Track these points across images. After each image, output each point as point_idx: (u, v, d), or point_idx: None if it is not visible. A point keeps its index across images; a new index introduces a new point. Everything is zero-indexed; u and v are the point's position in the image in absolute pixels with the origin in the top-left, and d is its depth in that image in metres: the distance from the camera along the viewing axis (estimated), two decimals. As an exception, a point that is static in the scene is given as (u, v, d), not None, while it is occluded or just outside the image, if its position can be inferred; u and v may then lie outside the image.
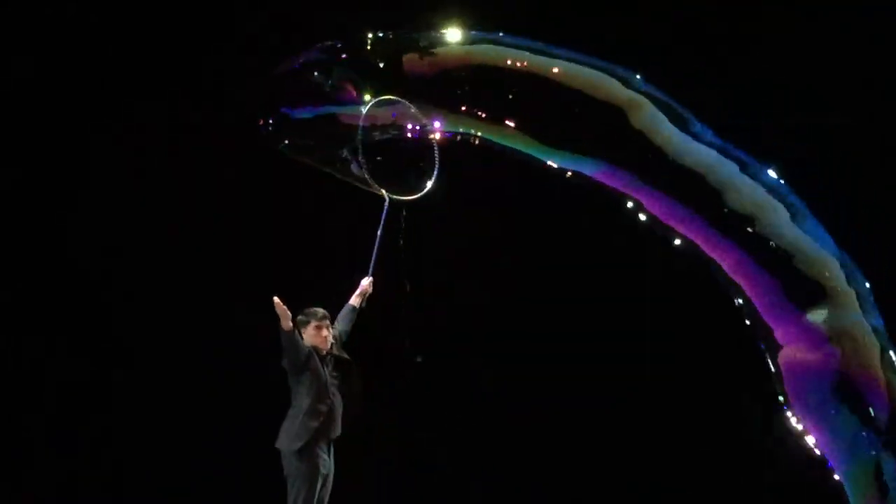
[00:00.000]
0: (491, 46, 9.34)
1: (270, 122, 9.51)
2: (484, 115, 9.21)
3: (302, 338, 8.95)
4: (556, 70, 9.10)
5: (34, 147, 11.56)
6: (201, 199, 11.56)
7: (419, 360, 11.19)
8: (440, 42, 9.37)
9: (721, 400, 11.01)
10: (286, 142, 9.56)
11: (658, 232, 8.89)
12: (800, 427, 8.55)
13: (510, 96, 9.17)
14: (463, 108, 9.21)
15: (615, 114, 8.93)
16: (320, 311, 9.11)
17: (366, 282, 9.36)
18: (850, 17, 11.21)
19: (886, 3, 11.27)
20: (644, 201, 8.92)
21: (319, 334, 9.02)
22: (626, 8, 11.56)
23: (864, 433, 8.43)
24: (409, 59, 9.37)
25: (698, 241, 8.85)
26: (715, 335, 10.36)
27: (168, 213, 11.64)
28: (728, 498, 11.25)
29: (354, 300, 9.35)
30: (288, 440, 8.86)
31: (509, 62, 9.18)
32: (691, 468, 11.37)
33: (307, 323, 9.05)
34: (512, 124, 9.15)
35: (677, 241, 8.89)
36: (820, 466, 8.54)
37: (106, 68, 11.58)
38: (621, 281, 11.37)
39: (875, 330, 8.60)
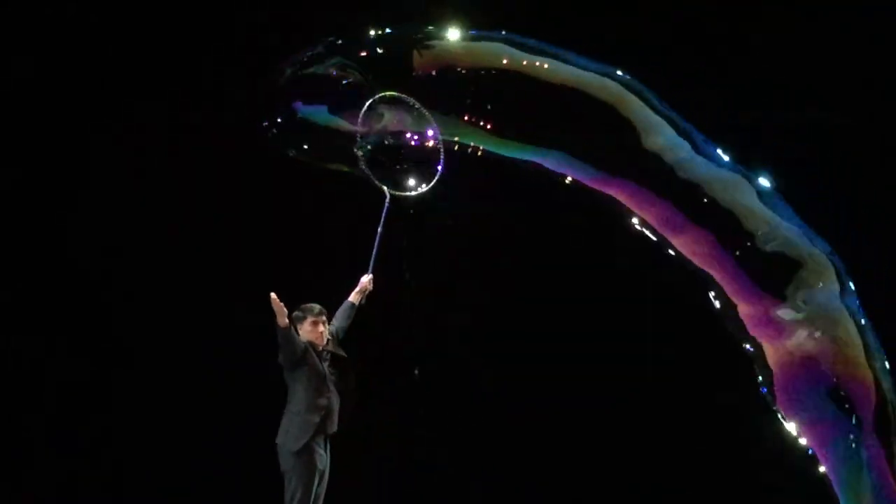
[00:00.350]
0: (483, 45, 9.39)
1: (277, 123, 9.50)
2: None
3: (298, 334, 8.95)
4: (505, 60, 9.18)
5: (34, 147, 11.54)
6: (201, 199, 11.54)
7: (416, 372, 11.23)
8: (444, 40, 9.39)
9: (720, 399, 11.02)
10: (293, 144, 9.56)
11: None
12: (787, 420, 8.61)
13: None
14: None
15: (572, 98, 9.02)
16: (316, 306, 9.13)
17: (365, 279, 9.35)
18: (846, 17, 11.25)
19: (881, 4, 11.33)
20: (600, 187, 8.99)
21: (315, 330, 9.04)
22: (626, 8, 11.57)
23: (841, 416, 8.45)
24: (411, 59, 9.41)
25: (653, 222, 8.90)
26: (715, 334, 10.36)
27: (168, 214, 11.62)
28: (725, 498, 11.30)
29: (353, 297, 9.36)
30: (290, 439, 8.87)
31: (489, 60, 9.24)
32: (690, 468, 11.39)
33: (303, 319, 9.07)
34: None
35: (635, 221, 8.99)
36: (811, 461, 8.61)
37: (106, 68, 11.57)
38: (622, 281, 11.38)
39: (849, 309, 8.62)
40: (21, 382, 11.49)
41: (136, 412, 11.52)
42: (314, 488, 8.89)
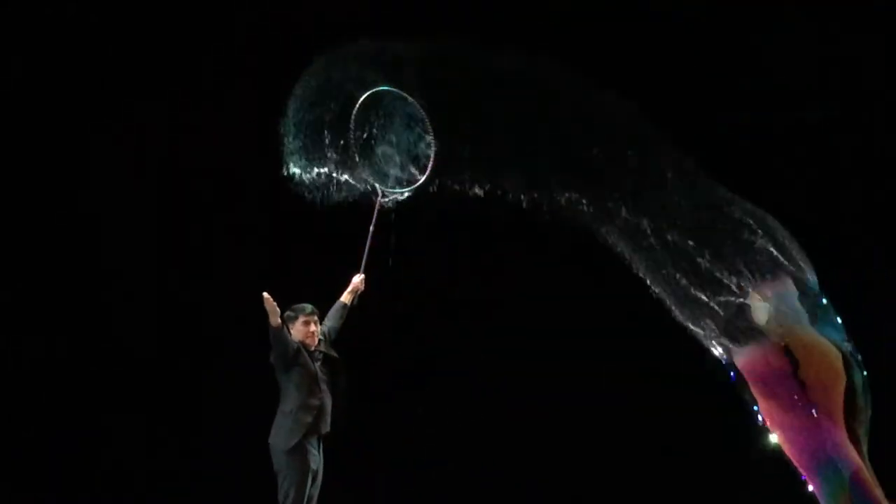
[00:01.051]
0: None
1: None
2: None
3: (290, 333, 8.94)
4: None
5: (34, 147, 11.53)
6: (201, 199, 11.53)
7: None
8: None
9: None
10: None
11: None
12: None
13: None
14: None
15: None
16: (308, 306, 9.11)
17: (357, 279, 9.33)
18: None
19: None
20: None
21: (307, 330, 9.02)
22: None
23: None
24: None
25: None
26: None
27: (168, 213, 11.61)
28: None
29: (345, 297, 9.34)
30: (282, 438, 8.87)
31: None
32: (690, 469, 11.37)
33: (295, 318, 9.05)
34: None
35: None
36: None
37: (106, 68, 11.54)
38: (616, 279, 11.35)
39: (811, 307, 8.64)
40: (21, 382, 11.45)
41: (137, 412, 11.51)
42: (307, 488, 8.89)
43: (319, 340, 9.07)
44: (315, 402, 8.89)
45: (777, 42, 11.34)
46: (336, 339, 9.23)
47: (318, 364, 9.00)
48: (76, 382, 11.56)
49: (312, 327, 9.03)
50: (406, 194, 9.34)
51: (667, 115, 9.18)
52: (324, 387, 8.97)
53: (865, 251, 11.21)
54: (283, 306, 8.93)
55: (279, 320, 8.75)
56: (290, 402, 8.90)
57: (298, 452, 8.83)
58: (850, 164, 11.38)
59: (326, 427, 8.98)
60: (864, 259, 11.19)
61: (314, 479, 8.94)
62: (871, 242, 11.26)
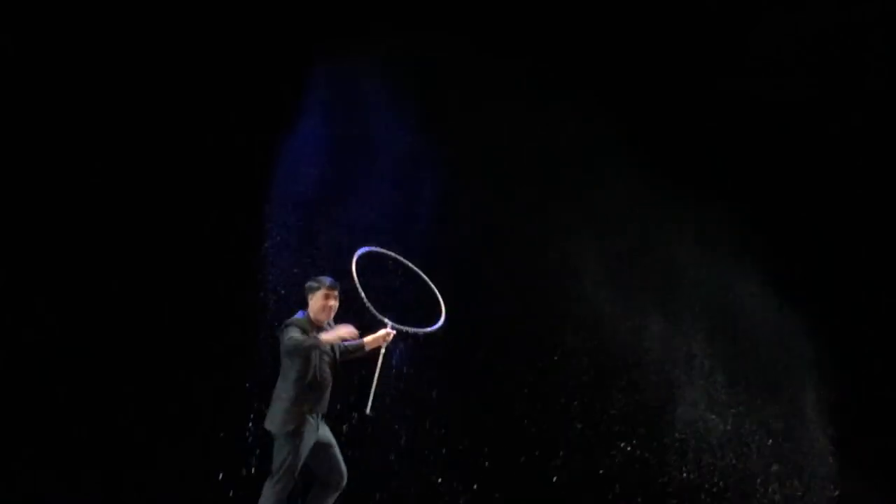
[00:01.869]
0: None
1: None
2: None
3: (308, 303, 8.96)
4: None
5: (34, 147, 11.56)
6: (202, 199, 11.57)
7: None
8: None
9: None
10: None
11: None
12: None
13: None
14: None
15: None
16: (329, 279, 9.07)
17: (384, 332, 9.10)
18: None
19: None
20: None
21: (326, 303, 8.98)
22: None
23: None
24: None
25: None
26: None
27: (168, 213, 11.64)
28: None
29: (368, 340, 9.13)
30: (277, 425, 8.89)
31: None
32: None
33: (316, 290, 9.01)
34: None
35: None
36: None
37: (106, 68, 11.57)
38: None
39: None
40: (21, 382, 11.39)
41: (136, 410, 11.49)
42: (301, 459, 8.88)
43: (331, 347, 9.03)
44: (315, 392, 8.89)
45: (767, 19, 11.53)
46: (339, 357, 9.15)
47: (324, 357, 8.97)
48: (77, 383, 11.55)
49: (332, 301, 8.97)
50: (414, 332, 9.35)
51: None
52: (325, 367, 8.95)
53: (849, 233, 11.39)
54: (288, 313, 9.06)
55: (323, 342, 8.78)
56: (289, 388, 8.86)
57: (295, 434, 8.85)
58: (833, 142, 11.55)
59: (324, 409, 9.00)
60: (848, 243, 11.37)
61: (326, 451, 8.97)
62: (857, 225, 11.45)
